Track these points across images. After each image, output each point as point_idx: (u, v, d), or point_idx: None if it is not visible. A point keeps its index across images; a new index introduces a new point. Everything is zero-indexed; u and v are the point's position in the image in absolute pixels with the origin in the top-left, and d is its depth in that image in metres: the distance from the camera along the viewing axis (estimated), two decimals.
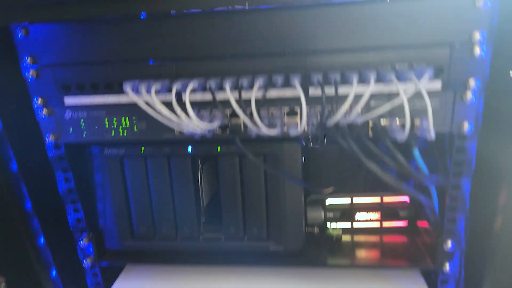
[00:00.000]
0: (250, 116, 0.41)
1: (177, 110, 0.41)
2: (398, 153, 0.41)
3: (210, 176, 0.58)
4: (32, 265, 0.56)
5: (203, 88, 0.44)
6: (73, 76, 0.47)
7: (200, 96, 0.45)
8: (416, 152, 0.40)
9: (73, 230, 0.58)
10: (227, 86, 0.41)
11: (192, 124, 0.42)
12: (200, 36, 0.44)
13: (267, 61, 0.44)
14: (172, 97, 0.40)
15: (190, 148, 0.54)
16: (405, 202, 0.61)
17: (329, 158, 0.60)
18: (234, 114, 0.44)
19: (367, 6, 0.40)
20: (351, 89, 0.39)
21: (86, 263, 0.58)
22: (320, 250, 0.58)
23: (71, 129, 0.50)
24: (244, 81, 0.42)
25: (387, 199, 0.61)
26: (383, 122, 0.42)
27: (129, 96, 0.43)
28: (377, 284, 0.56)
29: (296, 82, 0.40)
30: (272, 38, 0.43)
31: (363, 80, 0.40)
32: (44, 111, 0.49)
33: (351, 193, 0.61)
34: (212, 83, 0.42)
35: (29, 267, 0.56)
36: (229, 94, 0.41)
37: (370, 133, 0.43)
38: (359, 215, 0.61)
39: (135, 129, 0.49)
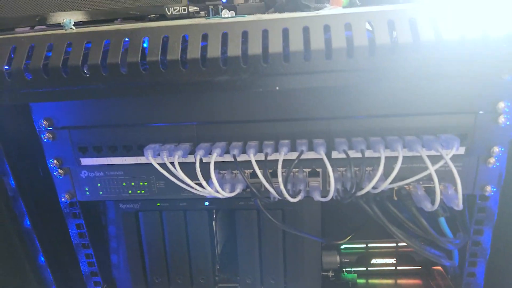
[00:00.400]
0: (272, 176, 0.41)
1: (202, 181, 0.40)
2: (422, 219, 0.41)
3: (225, 222, 0.57)
4: None
5: (226, 152, 0.43)
6: (90, 138, 0.46)
7: (222, 158, 0.44)
8: (443, 221, 0.40)
9: (87, 283, 0.57)
10: (251, 154, 0.41)
11: (215, 193, 0.41)
12: (223, 102, 0.43)
13: (290, 125, 0.43)
14: (197, 170, 0.40)
15: (207, 203, 0.53)
16: None
17: (345, 204, 0.60)
18: (255, 174, 0.43)
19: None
20: (380, 162, 0.38)
21: None
22: None
23: (87, 188, 0.49)
24: (268, 149, 0.41)
25: (403, 244, 0.61)
26: (408, 187, 0.42)
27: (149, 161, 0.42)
28: None
29: (322, 151, 0.40)
30: (296, 104, 0.43)
31: (388, 147, 0.40)
32: (60, 171, 0.48)
33: (366, 239, 0.61)
34: (235, 150, 0.42)
35: None
36: (255, 166, 0.40)
37: (395, 197, 0.43)
38: (374, 260, 0.61)
39: (153, 188, 0.48)
